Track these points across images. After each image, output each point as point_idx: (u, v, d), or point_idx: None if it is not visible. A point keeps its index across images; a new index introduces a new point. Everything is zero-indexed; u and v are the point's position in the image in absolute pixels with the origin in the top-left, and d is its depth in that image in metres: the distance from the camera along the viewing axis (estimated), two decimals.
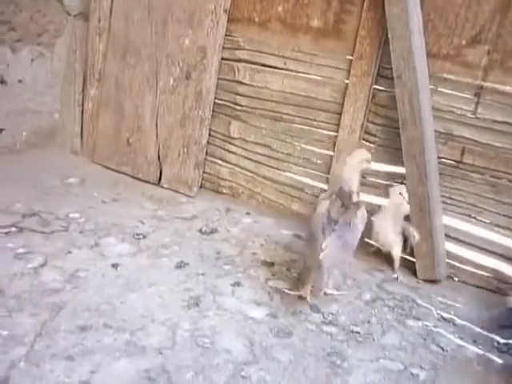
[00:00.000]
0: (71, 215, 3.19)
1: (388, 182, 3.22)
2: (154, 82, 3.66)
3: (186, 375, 2.09)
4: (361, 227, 2.64)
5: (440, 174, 3.03)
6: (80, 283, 2.58)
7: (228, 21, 3.47)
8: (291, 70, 3.39)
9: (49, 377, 2.01)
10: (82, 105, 4.02)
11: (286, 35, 3.36)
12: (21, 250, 2.76)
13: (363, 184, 3.25)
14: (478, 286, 3.04)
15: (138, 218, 3.28)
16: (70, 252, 2.82)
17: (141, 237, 3.09)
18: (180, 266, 2.85)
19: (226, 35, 3.50)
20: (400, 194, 3.04)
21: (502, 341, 2.57)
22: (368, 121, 3.21)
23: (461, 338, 2.57)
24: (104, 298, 2.50)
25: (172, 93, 3.63)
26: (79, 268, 2.69)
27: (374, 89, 3.16)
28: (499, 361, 2.45)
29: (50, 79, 3.96)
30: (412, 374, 2.29)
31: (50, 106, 4.02)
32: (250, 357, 2.25)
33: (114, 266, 2.77)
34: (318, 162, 3.42)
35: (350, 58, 3.19)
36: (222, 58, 3.55)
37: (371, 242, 3.14)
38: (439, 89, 3.00)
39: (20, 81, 3.82)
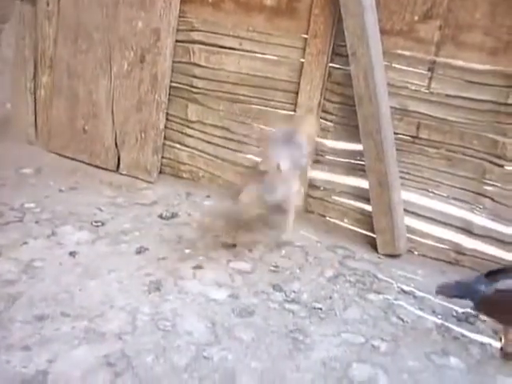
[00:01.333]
0: (26, 205, 3.11)
1: (346, 160, 3.24)
2: (108, 66, 3.58)
3: (147, 359, 2.06)
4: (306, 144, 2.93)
5: (397, 149, 3.06)
6: (36, 273, 2.52)
7: (181, 2, 3.41)
8: (247, 51, 3.36)
9: (5, 368, 1.96)
10: (35, 93, 3.90)
11: (240, 15, 3.32)
12: None
13: (321, 162, 3.29)
14: (437, 259, 3.10)
15: (96, 206, 3.22)
16: (25, 242, 2.75)
17: (99, 224, 3.03)
18: (140, 251, 2.82)
19: (179, 17, 3.44)
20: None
21: (460, 310, 2.62)
22: (325, 99, 3.22)
23: (420, 309, 2.62)
24: (61, 286, 2.44)
25: (127, 77, 3.56)
26: (35, 258, 2.63)
27: (330, 67, 3.17)
28: (457, 329, 2.50)
29: None
30: (373, 345, 2.32)
31: (1, 95, 3.89)
32: (212, 337, 2.24)
33: (72, 254, 2.71)
34: None
35: (305, 36, 3.18)
36: (177, 41, 3.49)
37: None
38: (393, 65, 3.02)
39: None
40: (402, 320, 2.52)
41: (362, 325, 2.45)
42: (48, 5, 3.67)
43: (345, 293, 2.68)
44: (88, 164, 3.74)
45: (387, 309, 2.59)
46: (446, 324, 2.53)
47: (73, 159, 3.78)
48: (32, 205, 3.13)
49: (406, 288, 2.78)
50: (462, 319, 2.58)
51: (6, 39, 3.81)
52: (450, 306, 2.66)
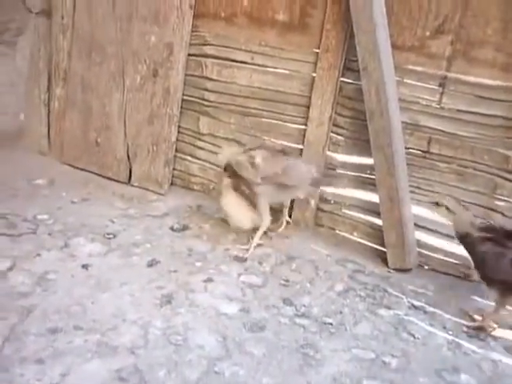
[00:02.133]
0: (39, 217, 3.15)
1: (357, 174, 3.25)
2: (121, 80, 3.62)
3: (159, 373, 2.08)
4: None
5: (408, 164, 3.07)
6: (49, 285, 2.55)
7: (194, 16, 3.45)
8: (259, 65, 3.39)
9: (19, 381, 1.99)
10: (48, 104, 3.95)
11: (253, 30, 3.35)
12: None
13: (331, 176, 3.30)
14: (447, 274, 3.09)
15: (108, 218, 3.25)
16: (38, 254, 2.79)
17: (111, 236, 3.06)
18: (152, 264, 2.84)
19: (192, 31, 3.48)
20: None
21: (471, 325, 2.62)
22: (336, 113, 3.23)
23: (431, 325, 2.62)
24: (74, 299, 2.47)
25: (139, 90, 3.60)
26: (48, 270, 2.66)
27: (341, 81, 3.18)
28: (468, 345, 2.49)
29: (13, 78, 3.90)
30: (384, 362, 2.33)
31: (15, 106, 3.96)
32: (223, 352, 2.25)
33: (85, 266, 2.74)
34: None
35: (317, 51, 3.20)
36: (189, 54, 3.53)
37: None
38: (405, 80, 3.04)
39: None
40: (413, 336, 2.52)
41: (372, 340, 2.46)
42: (63, 18, 3.72)
43: (355, 307, 2.69)
44: (100, 176, 3.77)
45: (398, 324, 2.59)
46: (457, 340, 2.53)
47: (85, 171, 3.82)
48: (45, 216, 3.16)
49: (416, 303, 2.78)
50: (472, 335, 2.58)
51: (21, 51, 3.88)
52: (461, 321, 2.66)
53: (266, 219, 3.09)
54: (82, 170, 3.83)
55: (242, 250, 3.05)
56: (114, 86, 3.65)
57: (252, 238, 3.09)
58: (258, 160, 3.01)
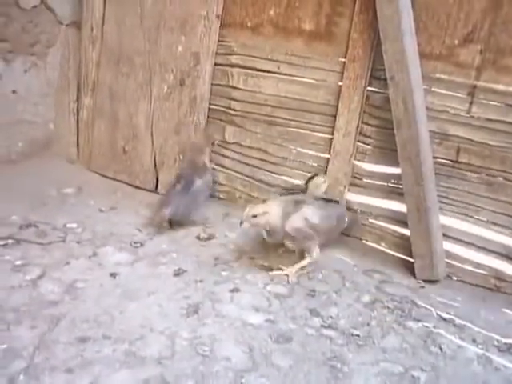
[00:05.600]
0: (68, 225, 3.20)
1: (384, 183, 3.22)
2: (148, 89, 3.66)
3: None
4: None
5: (436, 173, 3.03)
6: (78, 294, 2.58)
7: (220, 26, 3.48)
8: (285, 74, 3.39)
9: None
10: (77, 114, 4.03)
11: (279, 39, 3.36)
12: (18, 262, 2.76)
13: (358, 185, 3.28)
14: (476, 285, 3.04)
15: (135, 226, 3.29)
16: (67, 263, 2.82)
17: (138, 245, 3.09)
18: (178, 273, 2.85)
19: (218, 41, 3.50)
20: None
21: (503, 340, 2.57)
22: (363, 122, 3.21)
23: (461, 339, 2.57)
24: (103, 308, 2.49)
25: (166, 100, 3.63)
26: (77, 279, 2.69)
27: (368, 90, 3.17)
28: (499, 360, 2.44)
29: (43, 89, 3.96)
30: (413, 376, 2.29)
31: (45, 115, 4.02)
32: (250, 363, 2.24)
33: (113, 275, 2.77)
34: (314, 164, 3.41)
35: (343, 60, 3.19)
36: (216, 64, 3.55)
37: None
38: (433, 89, 3.00)
39: (14, 91, 3.82)
40: (442, 349, 2.48)
41: (400, 353, 2.42)
42: (92, 30, 3.79)
43: (383, 319, 2.65)
44: (127, 184, 3.82)
45: (426, 337, 2.55)
46: (487, 354, 2.47)
47: (113, 179, 3.88)
48: (74, 225, 3.21)
49: (445, 315, 2.73)
50: (503, 349, 2.52)
51: (52, 62, 3.94)
52: (491, 334, 2.61)
53: (316, 253, 2.96)
54: (109, 178, 3.89)
55: (283, 276, 2.94)
56: (142, 95, 3.69)
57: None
58: (317, 221, 2.92)
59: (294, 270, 2.94)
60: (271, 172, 3.56)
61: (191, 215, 3.34)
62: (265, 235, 2.95)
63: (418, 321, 2.66)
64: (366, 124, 3.22)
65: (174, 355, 2.24)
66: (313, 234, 2.91)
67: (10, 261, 2.76)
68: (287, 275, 2.92)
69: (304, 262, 2.97)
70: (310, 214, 2.91)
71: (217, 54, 3.52)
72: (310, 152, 3.40)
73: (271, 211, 2.85)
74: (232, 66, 3.52)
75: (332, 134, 3.29)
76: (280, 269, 2.97)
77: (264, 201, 3.14)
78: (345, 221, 3.17)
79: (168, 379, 2.10)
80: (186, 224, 3.34)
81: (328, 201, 3.10)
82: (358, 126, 3.20)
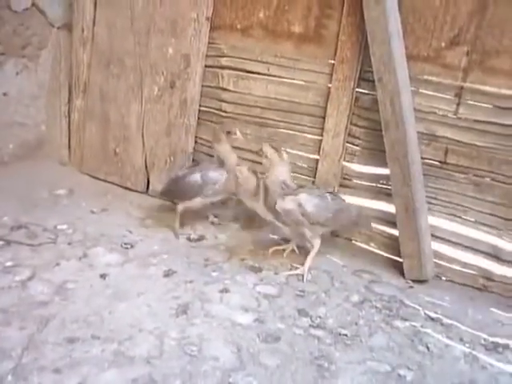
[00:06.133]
0: (59, 227, 3.21)
1: (373, 184, 3.25)
2: (139, 91, 3.68)
3: None
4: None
5: (424, 174, 3.05)
6: (68, 295, 2.59)
7: (210, 28, 3.50)
8: (274, 76, 3.41)
9: None
10: (69, 116, 4.04)
11: (269, 41, 3.38)
12: (8, 264, 2.77)
13: (347, 186, 3.30)
14: (464, 285, 3.06)
15: (126, 228, 3.30)
16: (58, 264, 2.83)
17: (129, 246, 3.10)
18: (168, 274, 2.87)
19: (208, 43, 3.52)
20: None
21: (490, 338, 2.59)
22: (352, 124, 3.24)
23: (448, 337, 2.59)
24: (92, 308, 2.50)
25: (157, 102, 3.65)
26: (67, 280, 2.71)
27: (357, 92, 3.19)
28: (486, 358, 2.47)
29: (35, 91, 3.97)
30: (399, 375, 2.31)
31: (36, 117, 4.03)
32: (238, 363, 2.26)
33: (103, 276, 2.78)
34: (304, 165, 3.43)
35: (332, 62, 3.21)
36: (206, 66, 3.57)
37: None
38: (420, 90, 3.03)
39: (5, 94, 3.84)
40: (429, 348, 2.50)
41: (387, 352, 2.44)
42: (83, 32, 3.80)
43: (371, 319, 2.67)
44: (119, 186, 3.83)
45: (414, 336, 2.57)
46: (474, 353, 2.50)
47: (104, 181, 3.89)
48: (65, 226, 3.22)
49: (433, 315, 2.75)
50: (490, 348, 2.54)
51: (43, 65, 3.96)
52: (478, 333, 2.63)
53: (317, 244, 2.99)
54: (101, 180, 3.90)
55: (297, 275, 2.99)
56: (133, 97, 3.71)
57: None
58: (310, 209, 2.92)
59: (306, 268, 2.97)
60: (261, 173, 3.55)
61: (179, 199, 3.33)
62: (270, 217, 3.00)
63: (406, 320, 2.69)
64: (355, 125, 3.24)
65: (163, 355, 2.25)
66: (303, 220, 2.91)
67: (0, 262, 2.77)
68: (302, 275, 2.97)
69: (311, 256, 2.99)
70: (305, 201, 2.91)
71: (207, 56, 3.54)
72: (300, 153, 3.42)
73: (279, 166, 2.94)
74: (222, 68, 3.54)
75: (321, 135, 3.31)
76: (294, 267, 3.03)
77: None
78: (349, 217, 3.10)
79: (156, 378, 2.11)
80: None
81: (334, 195, 3.10)
82: (346, 128, 3.23)
